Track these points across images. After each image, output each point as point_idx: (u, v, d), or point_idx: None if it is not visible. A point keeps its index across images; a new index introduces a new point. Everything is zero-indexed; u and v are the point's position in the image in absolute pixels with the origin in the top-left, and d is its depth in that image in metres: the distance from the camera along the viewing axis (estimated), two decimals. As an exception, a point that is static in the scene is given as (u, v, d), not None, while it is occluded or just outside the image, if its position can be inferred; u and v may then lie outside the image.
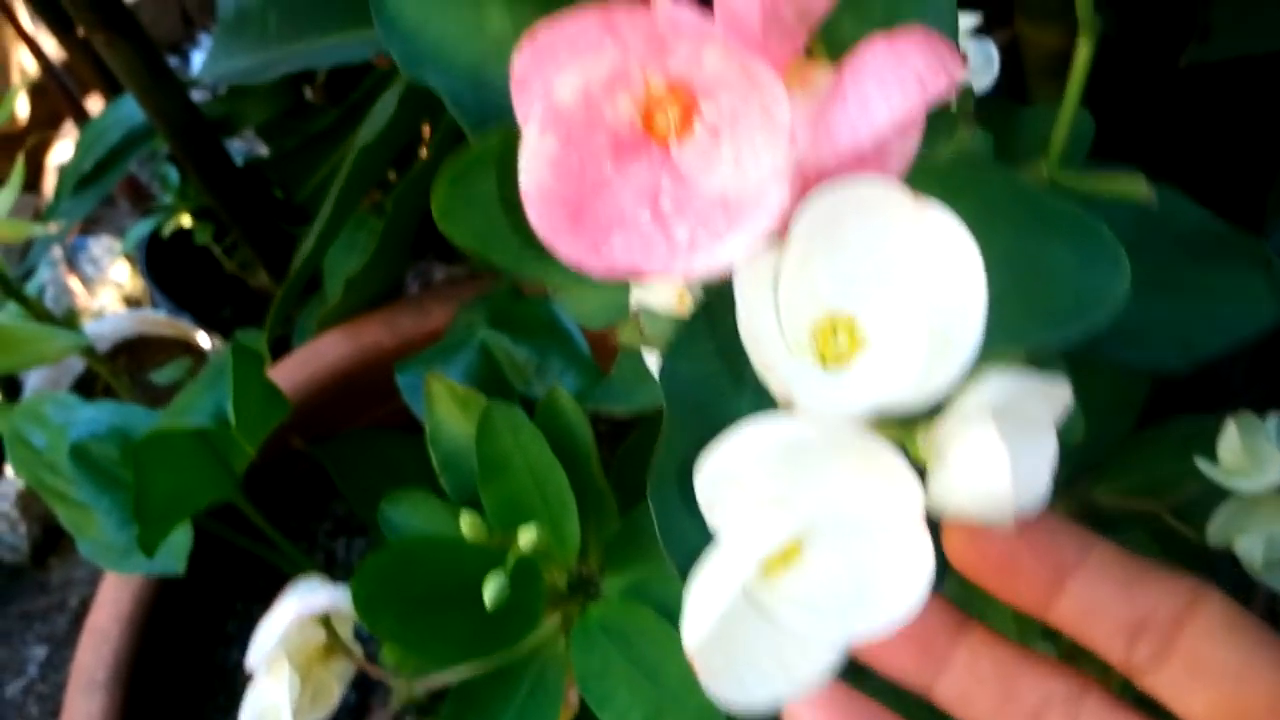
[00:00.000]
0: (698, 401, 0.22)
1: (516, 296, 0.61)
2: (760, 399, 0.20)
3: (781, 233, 0.18)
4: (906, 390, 0.17)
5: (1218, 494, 0.42)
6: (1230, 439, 0.40)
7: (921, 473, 0.19)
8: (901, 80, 0.16)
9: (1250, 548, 0.42)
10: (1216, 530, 0.43)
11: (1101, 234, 0.19)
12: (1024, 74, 0.62)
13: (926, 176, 0.21)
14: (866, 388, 0.17)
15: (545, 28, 0.15)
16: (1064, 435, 0.37)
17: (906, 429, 0.19)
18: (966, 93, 0.30)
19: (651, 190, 0.17)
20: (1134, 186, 0.20)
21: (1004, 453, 0.17)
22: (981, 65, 0.39)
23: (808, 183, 0.18)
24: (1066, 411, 0.20)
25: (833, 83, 0.17)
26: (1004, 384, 0.18)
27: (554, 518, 0.39)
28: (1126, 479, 0.48)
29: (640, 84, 0.17)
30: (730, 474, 0.18)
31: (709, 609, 0.18)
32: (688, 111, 0.17)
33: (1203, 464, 0.41)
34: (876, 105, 0.16)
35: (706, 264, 0.17)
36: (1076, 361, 0.26)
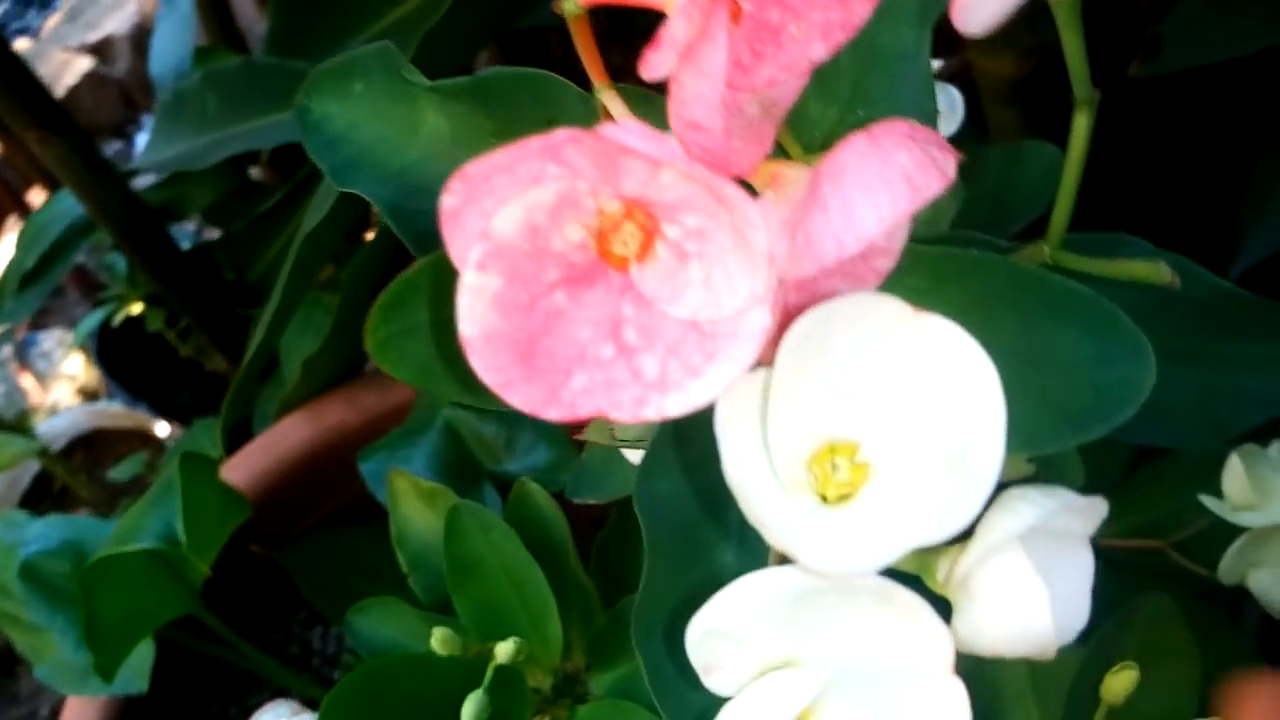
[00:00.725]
0: (680, 524, 0.20)
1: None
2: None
3: (764, 360, 0.15)
4: (924, 527, 0.15)
5: (1223, 528, 0.40)
6: (1235, 472, 0.39)
7: (944, 605, 0.16)
8: (889, 183, 0.14)
9: (1265, 584, 0.40)
10: (1228, 567, 0.41)
11: (1119, 320, 0.17)
12: (978, 101, 0.61)
13: (917, 264, 0.19)
14: (877, 529, 0.15)
15: (478, 160, 0.13)
16: (1062, 480, 0.35)
17: (923, 559, 0.17)
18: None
19: (612, 320, 0.15)
20: (1152, 270, 0.18)
21: (1040, 587, 0.15)
22: (945, 111, 0.38)
23: (787, 295, 0.16)
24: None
25: (810, 184, 0.15)
26: (1033, 508, 0.15)
27: (534, 619, 0.37)
28: (1128, 519, 0.46)
29: (591, 210, 0.15)
30: (727, 631, 0.16)
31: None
32: (648, 232, 0.15)
33: (1208, 500, 0.39)
34: (863, 214, 0.14)
35: (682, 404, 0.15)
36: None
